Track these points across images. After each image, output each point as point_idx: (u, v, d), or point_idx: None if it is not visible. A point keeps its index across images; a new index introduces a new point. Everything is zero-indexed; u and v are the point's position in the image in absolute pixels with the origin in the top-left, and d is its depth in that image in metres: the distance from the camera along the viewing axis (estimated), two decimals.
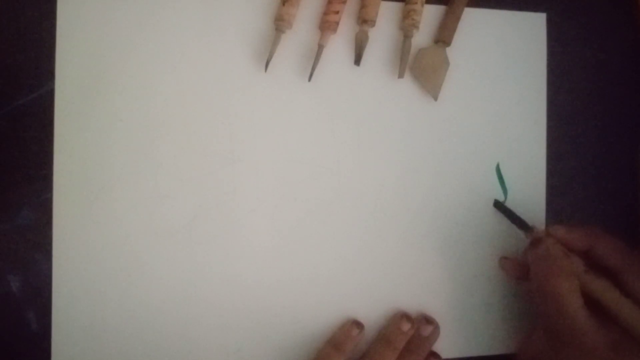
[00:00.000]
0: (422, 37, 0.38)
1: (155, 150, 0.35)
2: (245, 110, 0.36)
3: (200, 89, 0.36)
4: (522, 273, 0.37)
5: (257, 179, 0.36)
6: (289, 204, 0.37)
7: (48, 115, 0.34)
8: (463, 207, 0.39)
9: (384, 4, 0.37)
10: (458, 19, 0.38)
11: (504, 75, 0.40)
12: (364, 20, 0.36)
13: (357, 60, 0.37)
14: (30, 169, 0.34)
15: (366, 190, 0.38)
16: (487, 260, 0.39)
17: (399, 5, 0.38)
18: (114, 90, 0.35)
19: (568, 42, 0.41)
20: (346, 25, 0.37)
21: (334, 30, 0.36)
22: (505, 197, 0.39)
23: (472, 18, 0.39)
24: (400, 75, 0.37)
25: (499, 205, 0.39)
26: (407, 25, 0.37)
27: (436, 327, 0.37)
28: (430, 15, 0.38)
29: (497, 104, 0.40)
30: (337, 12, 0.36)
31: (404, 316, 0.37)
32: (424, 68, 0.38)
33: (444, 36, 0.38)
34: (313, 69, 0.36)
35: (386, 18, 0.38)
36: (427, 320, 0.37)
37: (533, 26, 0.40)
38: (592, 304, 0.31)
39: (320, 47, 0.36)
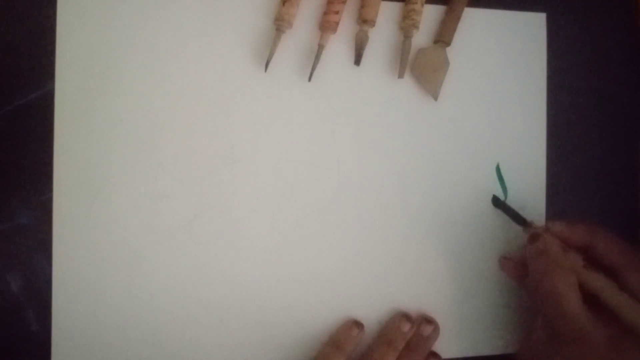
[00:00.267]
0: (422, 37, 0.38)
1: (155, 150, 0.35)
2: (245, 110, 0.36)
3: (200, 88, 0.36)
4: (523, 272, 0.37)
5: (257, 179, 0.36)
6: (289, 204, 0.37)
7: (48, 115, 0.34)
8: (463, 207, 0.39)
9: (384, 4, 0.37)
10: (458, 19, 0.38)
11: (504, 75, 0.40)
12: (364, 20, 0.36)
13: (357, 60, 0.37)
14: (30, 169, 0.34)
15: (366, 190, 0.38)
16: (487, 260, 0.39)
17: (399, 5, 0.38)
18: (114, 90, 0.35)
19: (568, 42, 0.41)
20: (346, 25, 0.37)
21: (334, 30, 0.36)
22: (506, 197, 0.39)
23: (472, 18, 0.39)
24: (400, 75, 0.37)
25: (497, 202, 0.39)
26: (407, 25, 0.37)
27: (436, 327, 0.37)
28: (430, 15, 0.38)
29: (497, 104, 0.40)
30: (337, 12, 0.36)
31: (404, 316, 0.37)
32: (424, 68, 0.38)
33: (444, 36, 0.38)
34: (313, 69, 0.36)
35: (386, 18, 0.38)
36: (427, 320, 0.37)
37: (533, 26, 0.40)
38: (591, 299, 0.31)
39: (320, 47, 0.36)
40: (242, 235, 0.36)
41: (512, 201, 0.39)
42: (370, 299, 0.38)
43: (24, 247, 0.34)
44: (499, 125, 0.40)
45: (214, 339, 0.36)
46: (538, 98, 0.40)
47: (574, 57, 0.41)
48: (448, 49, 0.38)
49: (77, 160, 0.34)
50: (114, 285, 0.35)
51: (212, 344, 0.36)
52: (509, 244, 0.39)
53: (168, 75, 0.35)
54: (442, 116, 0.39)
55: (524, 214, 0.37)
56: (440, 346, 0.38)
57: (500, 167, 0.39)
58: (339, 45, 0.37)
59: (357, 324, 0.37)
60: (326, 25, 0.36)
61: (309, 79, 0.36)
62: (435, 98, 0.38)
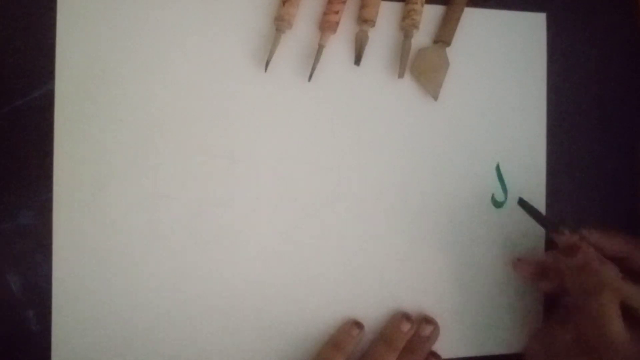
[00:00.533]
0: (422, 37, 0.38)
1: (155, 150, 0.35)
2: (245, 110, 0.36)
3: (200, 88, 0.36)
4: (541, 275, 0.36)
5: (257, 179, 0.36)
6: (289, 204, 0.37)
7: (48, 115, 0.34)
8: (463, 208, 0.39)
9: (384, 4, 0.37)
10: (458, 19, 0.38)
11: (504, 75, 0.40)
12: (364, 20, 0.36)
13: (357, 60, 0.37)
14: (30, 169, 0.34)
15: (366, 190, 0.38)
16: (487, 260, 0.39)
17: (399, 5, 0.38)
18: (114, 90, 0.35)
19: (568, 42, 0.41)
20: (346, 25, 0.37)
21: (334, 30, 0.36)
22: (505, 197, 0.39)
23: (472, 18, 0.39)
24: (400, 75, 0.37)
25: (523, 204, 0.37)
26: (407, 25, 0.37)
27: (436, 327, 0.37)
28: (430, 15, 0.38)
29: (497, 104, 0.40)
30: (337, 12, 0.36)
31: (404, 316, 0.37)
32: (424, 68, 0.38)
33: (444, 36, 0.38)
34: (313, 69, 0.36)
35: (386, 18, 0.38)
36: (427, 320, 0.37)
37: (533, 26, 0.40)
38: (627, 311, 0.31)
39: (320, 47, 0.36)
40: (242, 235, 0.36)
41: (512, 201, 0.39)
42: (370, 299, 0.38)
43: (24, 247, 0.34)
44: (499, 125, 0.40)
45: (214, 338, 0.36)
46: (538, 98, 0.40)
47: (574, 57, 0.41)
48: (448, 49, 0.38)
49: (77, 160, 0.34)
50: (114, 285, 0.35)
51: (212, 343, 0.36)
52: (509, 244, 0.39)
53: (168, 75, 0.35)
54: (442, 116, 0.39)
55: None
56: (440, 346, 0.38)
57: (500, 167, 0.39)
58: (339, 45, 0.37)
59: (357, 324, 0.37)
60: (326, 25, 0.36)
61: (309, 79, 0.36)
62: (435, 98, 0.38)
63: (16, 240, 0.34)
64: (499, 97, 0.40)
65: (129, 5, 0.35)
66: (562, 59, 0.41)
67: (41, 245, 0.34)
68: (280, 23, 0.35)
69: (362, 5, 0.37)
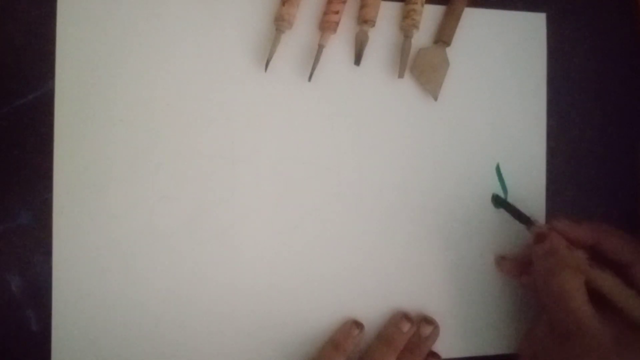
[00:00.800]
0: (422, 37, 0.38)
1: (155, 150, 0.35)
2: (245, 110, 0.36)
3: (200, 88, 0.36)
4: (521, 271, 0.36)
5: (257, 179, 0.36)
6: (289, 204, 0.37)
7: (48, 115, 0.34)
8: (463, 208, 0.39)
9: (384, 4, 0.37)
10: (458, 19, 0.38)
11: (504, 75, 0.40)
12: (364, 20, 0.36)
13: (357, 60, 0.37)
14: (30, 169, 0.34)
15: (366, 190, 0.38)
16: (487, 261, 0.39)
17: (399, 5, 0.38)
18: (114, 90, 0.35)
19: (568, 42, 0.41)
20: (346, 25, 0.37)
21: (334, 30, 0.36)
22: (506, 197, 0.39)
23: (472, 18, 0.39)
24: (400, 75, 0.37)
25: (498, 201, 0.38)
26: (407, 25, 0.37)
27: (436, 327, 0.37)
28: (430, 15, 0.38)
29: (497, 104, 0.40)
30: (337, 12, 0.36)
31: (404, 316, 0.37)
32: (424, 68, 0.38)
33: (444, 36, 0.38)
34: (313, 69, 0.36)
35: (386, 18, 0.38)
36: (427, 320, 0.37)
37: (533, 26, 0.40)
38: (596, 298, 0.31)
39: (320, 47, 0.36)
40: (242, 235, 0.36)
41: (512, 201, 0.39)
42: (370, 299, 0.38)
43: (24, 247, 0.34)
44: (499, 125, 0.40)
45: (214, 338, 0.36)
46: (538, 98, 0.40)
47: (574, 57, 0.41)
48: (448, 49, 0.38)
49: (77, 160, 0.34)
50: (114, 285, 0.35)
51: (212, 343, 0.36)
52: (509, 244, 0.39)
53: (168, 76, 0.35)
54: (442, 116, 0.39)
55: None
56: (440, 346, 0.38)
57: (500, 167, 0.39)
58: (339, 45, 0.37)
59: (357, 324, 0.37)
60: (326, 25, 0.36)
61: (309, 79, 0.36)
62: (435, 98, 0.38)
63: (16, 240, 0.34)
64: (499, 97, 0.40)
65: (128, 5, 0.35)
66: (562, 59, 0.41)
67: (41, 245, 0.34)
68: (280, 23, 0.35)
69: (362, 5, 0.37)
